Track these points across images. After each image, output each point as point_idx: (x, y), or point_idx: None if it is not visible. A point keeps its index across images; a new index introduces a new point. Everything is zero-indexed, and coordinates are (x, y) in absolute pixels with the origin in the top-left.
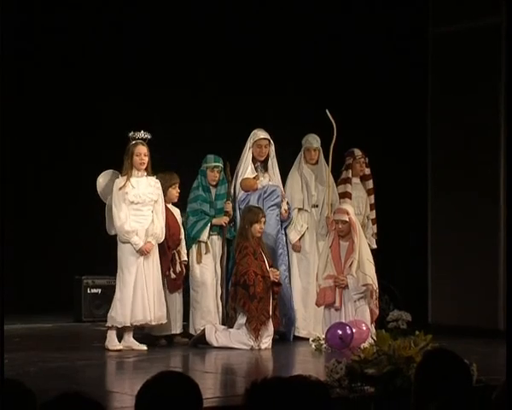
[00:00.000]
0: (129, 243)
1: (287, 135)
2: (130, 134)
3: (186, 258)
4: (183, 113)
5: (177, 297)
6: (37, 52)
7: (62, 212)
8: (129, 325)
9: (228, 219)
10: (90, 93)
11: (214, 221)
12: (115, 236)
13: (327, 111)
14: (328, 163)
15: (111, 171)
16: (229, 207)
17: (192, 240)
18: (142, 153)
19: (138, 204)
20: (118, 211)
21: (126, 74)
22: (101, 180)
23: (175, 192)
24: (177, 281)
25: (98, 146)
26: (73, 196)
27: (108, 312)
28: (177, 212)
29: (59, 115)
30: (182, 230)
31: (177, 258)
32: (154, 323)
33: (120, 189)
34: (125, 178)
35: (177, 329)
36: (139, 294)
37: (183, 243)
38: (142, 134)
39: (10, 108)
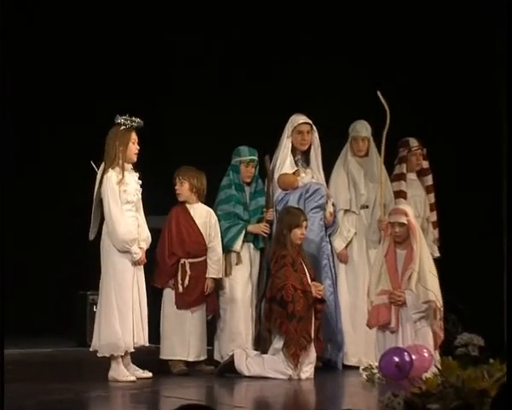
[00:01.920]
0: (127, 251)
1: (330, 123)
2: (123, 119)
3: (215, 274)
4: (207, 99)
5: (189, 317)
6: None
7: (63, 217)
8: (133, 349)
9: (268, 227)
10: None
11: (250, 228)
12: (97, 241)
13: (378, 93)
14: (380, 155)
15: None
16: (270, 215)
17: (223, 248)
18: (136, 140)
19: (132, 204)
20: (119, 213)
21: (142, 58)
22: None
23: (175, 190)
24: (186, 297)
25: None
26: (77, 198)
27: (99, 339)
28: (204, 214)
29: (63, 111)
30: (214, 237)
31: (187, 269)
32: (147, 344)
33: (118, 185)
34: (119, 171)
35: (189, 355)
36: (136, 311)
37: (214, 254)
38: (138, 121)
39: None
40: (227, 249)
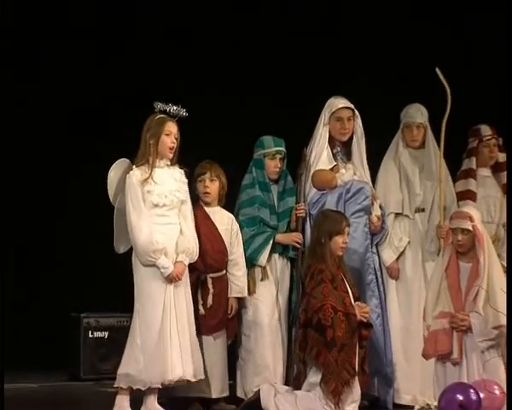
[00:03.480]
0: (154, 266)
1: (377, 107)
2: (159, 105)
3: (239, 292)
4: (221, 81)
5: (211, 344)
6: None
7: (53, 221)
8: (159, 385)
9: (300, 236)
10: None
11: (279, 238)
12: (126, 255)
13: (437, 70)
14: (439, 147)
15: (126, 161)
16: (302, 211)
17: (246, 262)
18: (173, 132)
19: (164, 207)
20: (138, 219)
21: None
22: (113, 174)
23: (202, 188)
24: (209, 320)
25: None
26: (70, 199)
27: (119, 366)
28: (226, 220)
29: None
30: (237, 248)
31: (209, 286)
32: (193, 379)
33: (141, 185)
34: (146, 168)
35: (211, 391)
36: (169, 339)
37: (237, 268)
38: (176, 109)
39: None
40: (250, 263)
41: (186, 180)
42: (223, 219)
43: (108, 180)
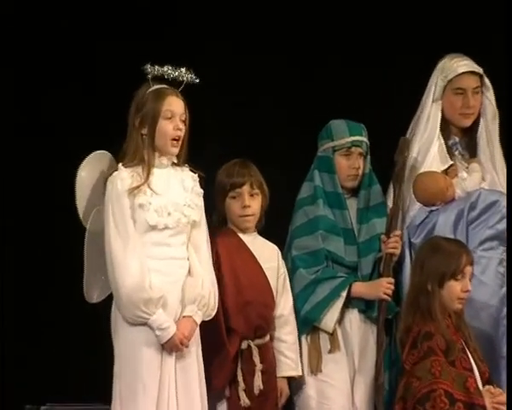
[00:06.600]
0: (145, 324)
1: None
2: (152, 70)
3: (294, 370)
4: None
5: None
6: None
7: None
8: None
9: (392, 283)
10: None
11: (359, 289)
12: (103, 307)
13: None
14: None
15: (106, 154)
16: (394, 245)
17: (302, 323)
18: (177, 113)
19: (165, 231)
20: (123, 250)
21: None
22: (86, 174)
23: (237, 208)
24: None
25: None
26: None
27: None
28: (269, 252)
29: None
30: (286, 297)
31: (255, 359)
32: None
33: (130, 194)
34: (140, 170)
35: None
36: None
37: (288, 330)
38: (178, 72)
39: None
40: (309, 325)
41: (201, 191)
42: (266, 253)
43: (77, 184)
